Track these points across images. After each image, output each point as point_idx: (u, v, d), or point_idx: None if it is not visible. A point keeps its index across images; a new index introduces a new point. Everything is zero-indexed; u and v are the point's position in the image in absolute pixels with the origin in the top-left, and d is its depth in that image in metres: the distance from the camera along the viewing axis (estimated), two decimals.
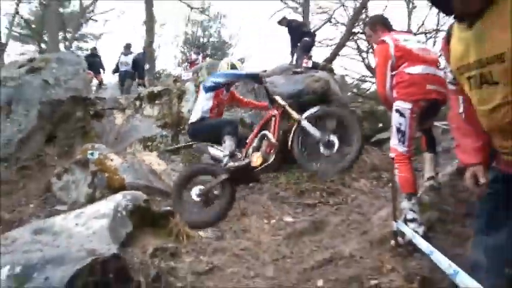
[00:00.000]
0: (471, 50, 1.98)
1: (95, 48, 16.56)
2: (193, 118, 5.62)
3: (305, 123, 5.07)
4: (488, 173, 2.17)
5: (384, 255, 3.51)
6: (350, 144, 5.01)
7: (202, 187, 5.45)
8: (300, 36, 11.25)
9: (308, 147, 5.20)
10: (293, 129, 5.23)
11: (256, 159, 5.15)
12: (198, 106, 5.64)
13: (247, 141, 5.44)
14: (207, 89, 5.61)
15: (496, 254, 1.95)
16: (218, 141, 5.40)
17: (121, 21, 68.00)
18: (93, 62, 15.61)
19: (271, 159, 5.15)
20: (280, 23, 11.67)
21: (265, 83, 5.59)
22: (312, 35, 12.14)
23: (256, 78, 5.62)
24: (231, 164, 5.22)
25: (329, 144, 4.96)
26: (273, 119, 5.34)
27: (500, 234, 1.96)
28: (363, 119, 11.70)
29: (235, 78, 5.89)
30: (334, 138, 4.95)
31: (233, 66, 5.94)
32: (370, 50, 18.47)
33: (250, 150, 5.34)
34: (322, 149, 5.00)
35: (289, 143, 5.18)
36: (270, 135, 5.19)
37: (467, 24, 1.98)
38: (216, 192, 5.47)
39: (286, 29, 11.67)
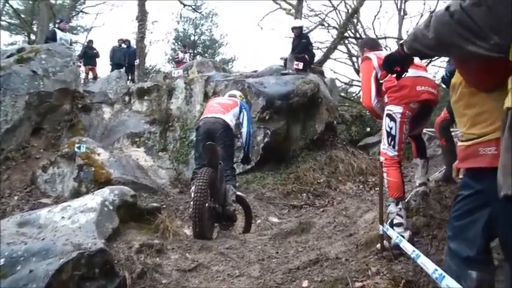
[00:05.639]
0: None
1: (91, 41, 16.44)
2: (231, 122, 5.62)
3: None
4: None
5: (370, 258, 3.52)
6: None
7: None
8: (302, 50, 11.46)
9: None
10: None
11: None
12: (233, 117, 5.74)
13: None
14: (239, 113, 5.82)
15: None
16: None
17: (113, 15, 67.43)
18: (90, 55, 15.60)
19: None
20: (293, 29, 11.96)
21: None
22: (313, 55, 12.46)
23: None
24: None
25: None
26: None
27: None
28: (351, 123, 11.81)
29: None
30: None
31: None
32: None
33: None
34: None
35: None
36: None
37: None
38: None
39: (294, 37, 11.93)
